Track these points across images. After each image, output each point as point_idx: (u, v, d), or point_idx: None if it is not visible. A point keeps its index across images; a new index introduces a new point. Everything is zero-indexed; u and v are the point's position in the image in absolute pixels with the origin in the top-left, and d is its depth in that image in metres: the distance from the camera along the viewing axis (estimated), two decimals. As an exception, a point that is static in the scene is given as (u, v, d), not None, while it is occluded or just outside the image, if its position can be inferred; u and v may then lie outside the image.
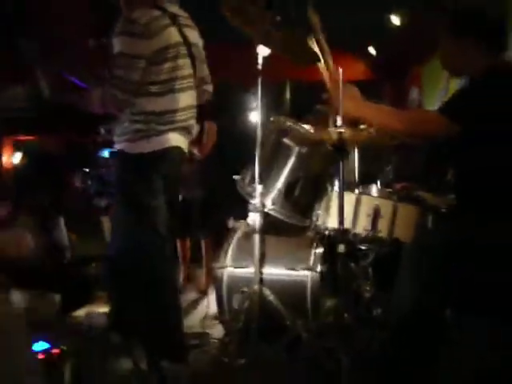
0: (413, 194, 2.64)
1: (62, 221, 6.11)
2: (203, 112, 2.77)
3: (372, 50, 6.80)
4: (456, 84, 2.96)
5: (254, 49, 2.60)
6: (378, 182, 3.03)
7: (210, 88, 2.85)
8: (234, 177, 2.90)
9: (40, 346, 2.80)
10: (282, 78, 3.09)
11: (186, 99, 2.61)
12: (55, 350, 2.76)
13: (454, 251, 1.92)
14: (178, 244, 4.33)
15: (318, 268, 2.64)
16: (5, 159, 9.90)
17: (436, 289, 1.93)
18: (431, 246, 1.98)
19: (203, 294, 4.15)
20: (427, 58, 5.81)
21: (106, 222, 5.23)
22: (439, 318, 1.97)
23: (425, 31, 3.32)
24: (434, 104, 5.87)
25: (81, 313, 3.64)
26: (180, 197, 4.30)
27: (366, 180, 2.93)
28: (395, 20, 5.86)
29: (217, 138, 2.95)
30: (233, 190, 2.90)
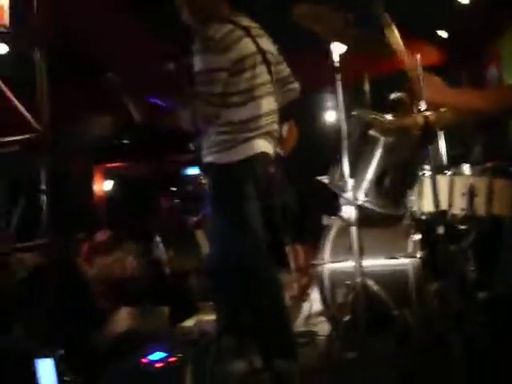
0: (507, 169, 2.57)
1: (158, 239, 6.40)
2: (284, 112, 2.84)
3: (444, 34, 6.65)
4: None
5: (326, 51, 2.64)
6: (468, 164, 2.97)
7: (295, 86, 2.92)
8: (318, 178, 2.94)
9: (157, 355, 2.96)
10: (359, 75, 3.11)
11: (267, 105, 2.70)
12: (172, 358, 2.91)
13: None
14: (290, 248, 4.35)
15: (418, 254, 2.63)
16: (96, 187, 10.45)
17: None
18: None
19: (297, 299, 4.19)
20: (501, 33, 5.61)
21: (200, 236, 5.42)
22: None
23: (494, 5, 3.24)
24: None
25: (189, 323, 3.81)
26: (279, 203, 4.41)
27: (456, 162, 2.89)
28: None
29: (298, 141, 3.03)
30: (319, 189, 2.95)
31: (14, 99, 2.73)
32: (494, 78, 6.40)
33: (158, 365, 2.87)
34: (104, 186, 10.48)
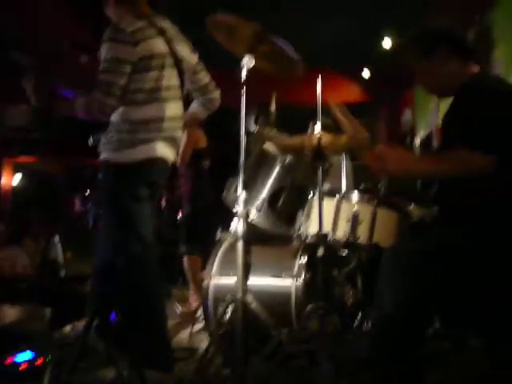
0: (394, 201, 2.65)
1: (57, 240, 6.15)
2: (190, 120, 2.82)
3: (366, 73, 6.92)
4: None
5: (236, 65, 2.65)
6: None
7: (215, 96, 2.92)
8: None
9: (24, 356, 2.81)
10: (267, 94, 3.15)
11: (172, 109, 2.66)
12: (40, 360, 2.77)
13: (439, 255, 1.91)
14: (186, 260, 4.30)
15: (302, 276, 2.65)
16: (4, 181, 9.98)
17: (418, 296, 1.92)
18: (411, 252, 1.98)
19: (194, 312, 4.13)
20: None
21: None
22: (421, 325, 1.96)
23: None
24: (425, 124, 5.93)
25: (69, 328, 3.64)
26: (183, 212, 4.35)
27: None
28: (387, 43, 5.98)
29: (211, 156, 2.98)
30: (222, 203, 2.93)
31: None
32: (408, 121, 6.71)
33: (23, 366, 2.74)
34: (12, 179, 10.04)
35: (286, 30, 2.75)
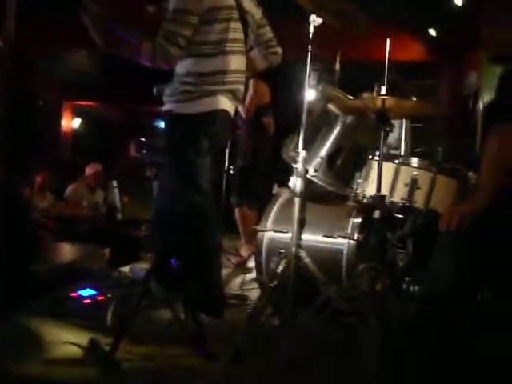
0: (453, 167, 2.63)
1: (115, 184, 6.36)
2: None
3: (432, 32, 6.68)
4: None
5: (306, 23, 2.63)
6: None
7: (277, 50, 2.90)
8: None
9: (87, 292, 2.99)
10: (333, 50, 3.11)
11: (236, 63, 2.67)
12: (100, 297, 2.94)
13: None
14: (237, 212, 4.37)
15: (355, 236, 2.69)
16: (64, 123, 10.25)
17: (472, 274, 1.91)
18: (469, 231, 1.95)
19: (244, 262, 4.24)
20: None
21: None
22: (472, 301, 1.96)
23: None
24: (491, 89, 5.72)
25: (127, 269, 3.83)
26: (238, 165, 4.41)
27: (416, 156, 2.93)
28: (457, 1, 5.74)
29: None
30: (279, 159, 2.97)
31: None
32: (472, 85, 6.48)
33: (86, 301, 2.92)
34: (72, 123, 10.30)
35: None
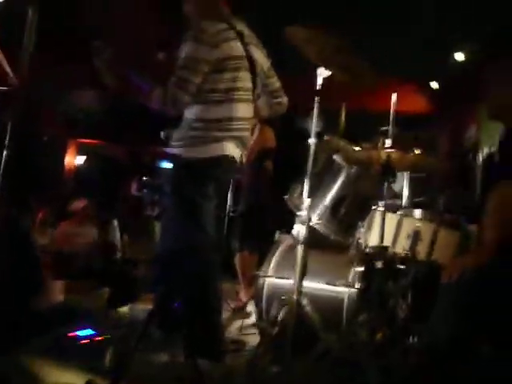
0: (456, 221, 2.67)
1: (115, 223, 6.37)
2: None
3: (435, 85, 6.84)
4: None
5: (311, 73, 2.71)
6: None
7: (283, 100, 2.98)
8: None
9: (85, 332, 2.97)
10: (339, 102, 3.21)
11: (244, 110, 2.75)
12: (99, 338, 2.93)
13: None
14: (237, 256, 4.36)
15: (357, 285, 2.70)
16: (68, 160, 10.33)
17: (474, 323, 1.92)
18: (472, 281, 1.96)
19: (243, 307, 4.21)
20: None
21: (158, 229, 5.42)
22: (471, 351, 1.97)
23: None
24: (490, 141, 5.81)
25: (126, 309, 3.81)
26: (240, 209, 4.43)
27: (418, 207, 2.97)
28: (459, 56, 5.91)
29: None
30: (282, 205, 3.01)
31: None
32: (471, 138, 6.58)
33: (84, 341, 2.90)
34: (76, 159, 10.39)
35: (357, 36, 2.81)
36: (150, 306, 3.19)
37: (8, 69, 2.64)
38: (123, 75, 2.73)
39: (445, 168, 4.01)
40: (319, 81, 2.66)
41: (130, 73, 2.78)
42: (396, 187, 3.41)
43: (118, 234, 6.35)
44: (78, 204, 6.41)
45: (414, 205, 3.20)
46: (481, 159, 5.71)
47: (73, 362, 2.66)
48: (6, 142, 2.57)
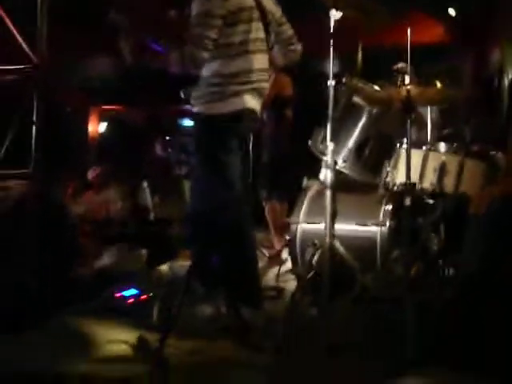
0: (483, 151, 2.65)
1: (145, 185, 6.47)
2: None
3: (452, 12, 6.61)
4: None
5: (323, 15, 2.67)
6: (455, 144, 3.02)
7: (297, 47, 2.96)
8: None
9: (130, 292, 3.10)
10: (354, 43, 3.15)
11: (259, 61, 2.75)
12: (143, 296, 3.05)
13: None
14: (267, 207, 4.41)
15: (388, 223, 2.74)
16: (91, 128, 10.43)
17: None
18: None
19: (278, 254, 4.29)
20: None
21: (187, 187, 5.50)
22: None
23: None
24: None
25: (165, 267, 3.92)
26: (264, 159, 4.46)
27: (444, 140, 2.95)
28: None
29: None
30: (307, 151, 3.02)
31: (12, 27, 2.74)
32: (495, 62, 6.40)
33: (130, 300, 3.03)
34: (99, 127, 10.47)
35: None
36: (188, 263, 3.31)
37: (27, 48, 2.67)
38: (141, 44, 2.76)
39: (469, 98, 3.96)
40: (332, 23, 2.63)
41: (147, 39, 2.80)
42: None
43: (148, 196, 6.46)
44: (92, 173, 6.49)
45: (439, 138, 3.19)
46: (506, 85, 5.57)
47: (122, 321, 2.79)
48: (34, 117, 2.63)
